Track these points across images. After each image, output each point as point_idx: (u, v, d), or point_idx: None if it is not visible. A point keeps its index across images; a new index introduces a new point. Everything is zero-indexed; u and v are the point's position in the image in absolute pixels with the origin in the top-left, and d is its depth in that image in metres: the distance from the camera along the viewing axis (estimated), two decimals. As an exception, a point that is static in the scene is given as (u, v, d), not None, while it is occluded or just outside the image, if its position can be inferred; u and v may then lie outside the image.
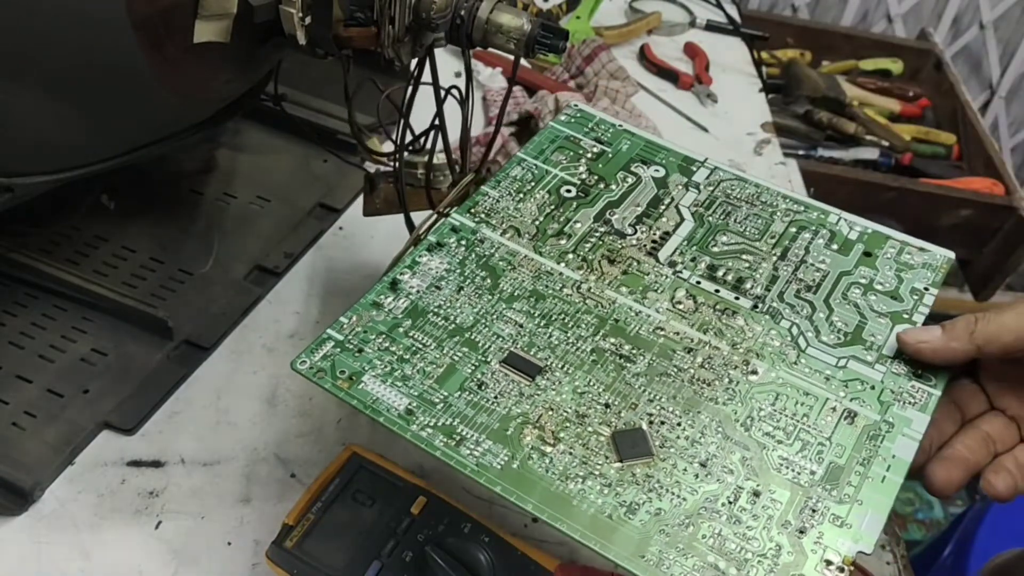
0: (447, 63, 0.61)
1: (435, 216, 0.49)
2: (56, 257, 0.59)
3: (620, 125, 0.53)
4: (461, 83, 0.50)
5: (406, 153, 0.53)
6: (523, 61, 0.85)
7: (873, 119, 1.30)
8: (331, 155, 0.61)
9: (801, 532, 0.36)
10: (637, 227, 0.48)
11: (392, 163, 0.53)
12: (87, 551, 0.47)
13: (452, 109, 0.51)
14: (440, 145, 0.53)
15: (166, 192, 0.66)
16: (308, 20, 0.45)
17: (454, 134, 0.52)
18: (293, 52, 0.47)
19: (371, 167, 0.57)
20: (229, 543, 0.48)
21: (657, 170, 0.51)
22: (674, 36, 1.00)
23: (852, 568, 0.35)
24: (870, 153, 1.27)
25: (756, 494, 0.37)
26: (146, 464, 0.51)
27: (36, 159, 0.48)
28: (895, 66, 1.42)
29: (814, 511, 0.36)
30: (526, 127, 0.76)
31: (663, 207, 0.49)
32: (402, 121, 0.51)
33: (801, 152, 1.23)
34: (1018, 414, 0.41)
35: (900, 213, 1.21)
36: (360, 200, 0.58)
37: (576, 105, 0.55)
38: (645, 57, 0.95)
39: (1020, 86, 1.64)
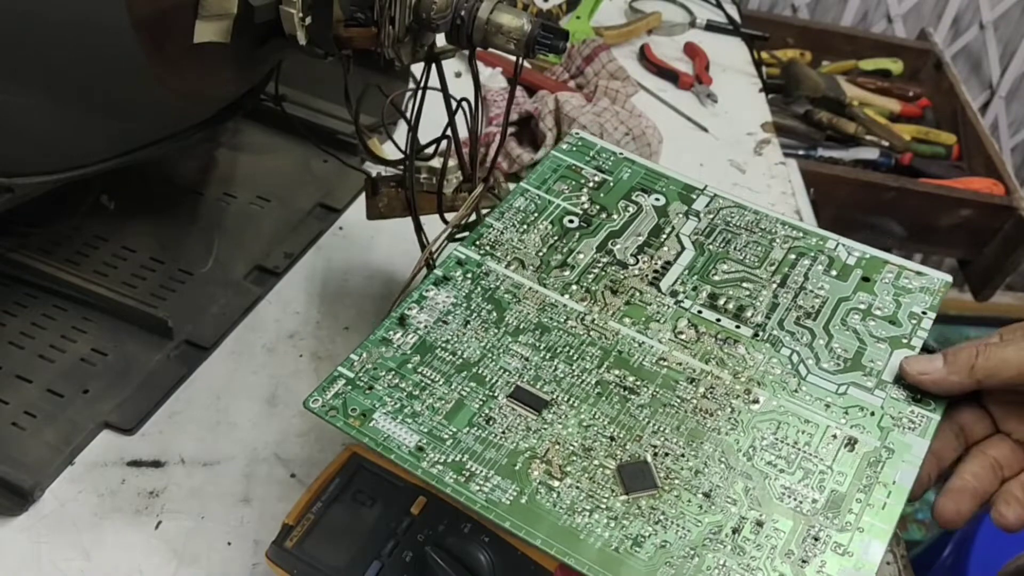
0: (446, 64, 0.60)
1: (447, 232, 0.49)
2: (56, 257, 0.59)
3: (621, 153, 0.53)
4: (459, 83, 0.50)
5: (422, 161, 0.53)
6: (524, 61, 0.85)
7: (873, 119, 1.30)
8: (331, 156, 0.61)
9: (804, 562, 0.36)
10: (639, 256, 0.48)
11: (399, 169, 0.53)
12: (87, 551, 0.47)
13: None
14: (443, 149, 0.53)
15: (166, 192, 0.66)
16: (308, 20, 0.45)
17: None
18: (293, 52, 0.47)
19: (372, 169, 0.57)
20: (229, 543, 0.48)
21: (658, 199, 0.51)
22: (674, 36, 1.00)
23: None
24: (870, 153, 1.27)
25: (759, 524, 0.37)
26: (146, 464, 0.51)
27: (36, 159, 0.48)
28: (895, 66, 1.42)
29: (816, 539, 0.37)
30: (526, 127, 0.76)
31: (664, 236, 0.49)
32: (412, 128, 0.51)
33: (801, 152, 1.23)
34: None
35: (900, 213, 1.21)
36: (361, 201, 0.58)
37: (577, 133, 0.55)
38: (645, 57, 0.95)
39: (1020, 86, 1.64)
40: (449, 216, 0.53)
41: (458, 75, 0.83)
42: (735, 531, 0.37)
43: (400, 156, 0.53)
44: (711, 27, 1.03)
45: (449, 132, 0.52)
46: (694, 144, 0.84)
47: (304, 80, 0.66)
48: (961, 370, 0.39)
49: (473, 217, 0.53)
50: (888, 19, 1.59)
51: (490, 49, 0.46)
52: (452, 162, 0.54)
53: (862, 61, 1.42)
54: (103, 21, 0.42)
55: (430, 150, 0.54)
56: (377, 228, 0.59)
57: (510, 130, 0.75)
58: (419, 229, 0.54)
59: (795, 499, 0.38)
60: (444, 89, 0.50)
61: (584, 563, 0.36)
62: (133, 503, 0.49)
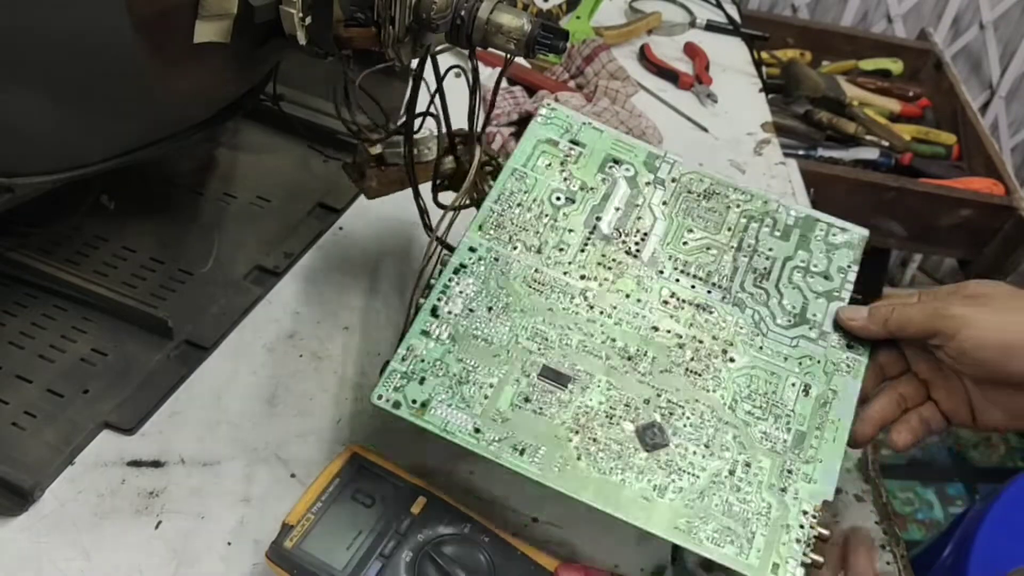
0: (444, 62, 0.60)
1: (448, 214, 0.50)
2: (56, 257, 0.59)
3: (588, 122, 0.55)
4: (459, 83, 0.50)
5: (396, 137, 0.53)
6: (524, 61, 0.85)
7: (873, 119, 1.30)
8: (329, 156, 0.61)
9: (783, 490, 0.44)
10: (620, 230, 0.51)
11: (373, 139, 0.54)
12: (87, 551, 0.47)
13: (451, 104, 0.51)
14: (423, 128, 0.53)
15: (166, 192, 0.66)
16: (308, 20, 0.45)
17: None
18: (293, 52, 0.47)
19: (349, 153, 0.56)
20: (229, 543, 0.48)
21: (628, 169, 0.53)
22: (674, 36, 1.00)
23: (822, 512, 0.44)
24: (870, 153, 1.27)
25: (748, 465, 0.45)
26: (146, 464, 0.51)
27: (36, 159, 0.48)
28: (895, 66, 1.42)
29: (790, 472, 0.45)
30: (526, 127, 0.76)
31: (638, 208, 0.52)
32: (408, 111, 0.51)
33: (801, 152, 1.23)
34: (928, 377, 0.49)
35: (900, 213, 1.21)
36: (361, 201, 0.58)
37: (548, 104, 0.56)
38: (645, 57, 0.95)
39: (1020, 86, 1.64)
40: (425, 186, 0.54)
41: (457, 75, 0.82)
42: (731, 472, 0.44)
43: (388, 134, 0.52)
44: (711, 27, 1.03)
45: (429, 110, 0.52)
46: (694, 144, 0.84)
47: (303, 80, 0.66)
48: (878, 322, 0.48)
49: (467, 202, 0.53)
50: (888, 19, 1.59)
51: (490, 49, 0.46)
52: (427, 132, 0.54)
53: (862, 61, 1.42)
54: (103, 21, 0.42)
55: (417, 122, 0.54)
56: (377, 228, 0.59)
57: (510, 130, 0.75)
58: (417, 195, 0.54)
59: (771, 441, 0.45)
60: (437, 73, 0.50)
61: (622, 510, 0.42)
62: (133, 503, 0.49)
